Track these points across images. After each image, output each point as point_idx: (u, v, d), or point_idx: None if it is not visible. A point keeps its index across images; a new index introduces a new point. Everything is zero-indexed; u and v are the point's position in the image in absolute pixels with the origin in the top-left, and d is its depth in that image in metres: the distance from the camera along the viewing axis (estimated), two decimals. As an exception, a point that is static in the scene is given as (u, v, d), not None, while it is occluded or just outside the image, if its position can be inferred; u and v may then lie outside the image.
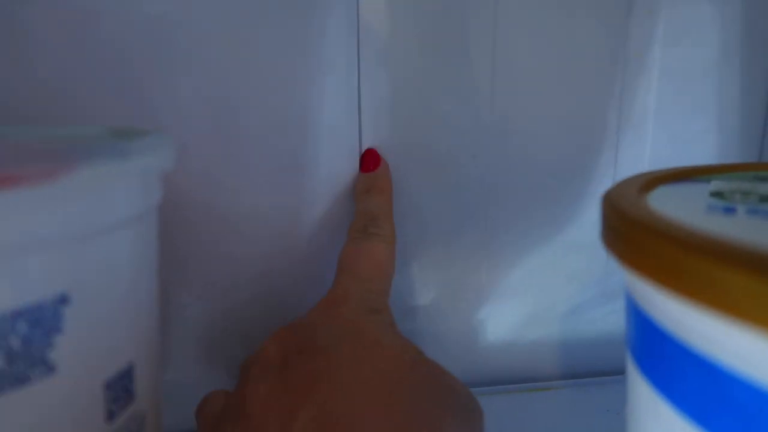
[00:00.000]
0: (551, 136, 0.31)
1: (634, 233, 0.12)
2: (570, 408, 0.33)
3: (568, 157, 0.32)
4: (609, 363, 0.35)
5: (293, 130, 0.28)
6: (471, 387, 0.22)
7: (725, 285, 0.10)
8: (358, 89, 0.29)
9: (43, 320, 0.14)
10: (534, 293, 0.34)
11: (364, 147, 0.30)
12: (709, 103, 0.32)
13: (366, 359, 0.20)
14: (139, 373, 0.17)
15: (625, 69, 0.31)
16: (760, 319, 0.10)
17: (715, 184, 0.17)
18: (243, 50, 0.27)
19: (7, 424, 0.13)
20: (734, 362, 0.11)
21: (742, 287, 0.10)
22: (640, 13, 0.30)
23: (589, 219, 0.33)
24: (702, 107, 0.32)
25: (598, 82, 0.31)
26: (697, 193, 0.16)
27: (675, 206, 0.14)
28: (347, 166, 0.30)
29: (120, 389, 0.16)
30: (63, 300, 0.14)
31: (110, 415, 0.16)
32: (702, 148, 0.33)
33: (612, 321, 0.35)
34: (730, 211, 0.14)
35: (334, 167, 0.30)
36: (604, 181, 0.32)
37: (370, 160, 0.30)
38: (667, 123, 0.32)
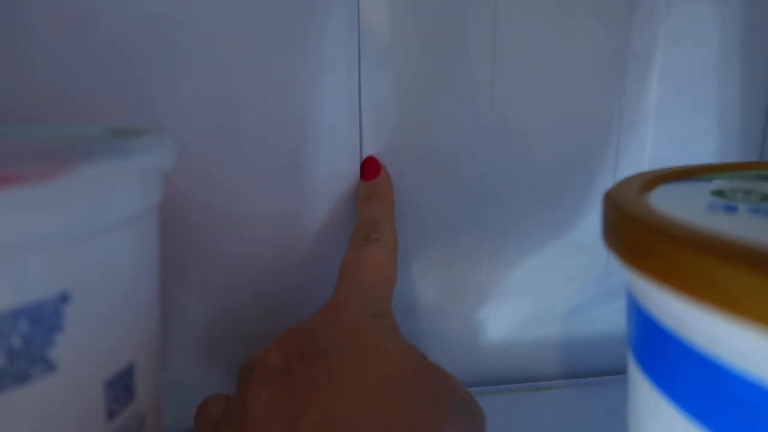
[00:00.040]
0: (551, 136, 0.31)
1: (636, 232, 0.12)
2: (570, 408, 0.33)
3: (568, 157, 0.32)
4: (609, 363, 0.35)
5: (293, 130, 0.28)
6: (471, 387, 0.22)
7: (727, 283, 0.10)
8: (359, 89, 0.29)
9: (44, 319, 0.14)
10: (534, 293, 0.34)
11: (365, 147, 0.30)
12: (709, 104, 0.32)
13: (368, 364, 0.20)
14: (140, 372, 0.17)
15: (626, 69, 0.31)
16: (762, 316, 0.10)
17: (717, 183, 0.17)
18: (243, 50, 0.27)
19: (8, 423, 0.13)
20: (736, 360, 0.11)
21: (743, 285, 0.10)
22: (640, 13, 0.30)
23: (590, 219, 0.33)
24: (702, 107, 0.32)
25: (599, 82, 0.31)
26: (699, 192, 0.16)
27: (676, 205, 0.14)
28: (347, 167, 0.30)
29: (120, 388, 0.16)
30: (64, 298, 0.14)
31: (110, 414, 0.16)
32: (702, 149, 0.33)
33: (612, 320, 0.35)
34: (731, 209, 0.14)
35: (334, 167, 0.30)
36: (605, 182, 0.32)
37: (370, 168, 0.30)
38: (668, 123, 0.32)
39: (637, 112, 0.32)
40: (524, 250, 0.33)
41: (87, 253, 0.15)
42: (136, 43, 0.26)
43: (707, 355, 0.12)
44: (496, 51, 0.30)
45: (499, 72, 0.30)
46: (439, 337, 0.33)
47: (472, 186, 0.31)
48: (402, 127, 0.30)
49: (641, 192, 0.16)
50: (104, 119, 0.26)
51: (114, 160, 0.15)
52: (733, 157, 0.33)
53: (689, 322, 0.12)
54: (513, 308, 0.34)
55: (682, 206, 0.14)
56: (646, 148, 0.32)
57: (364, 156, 0.30)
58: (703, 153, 0.33)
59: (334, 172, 0.30)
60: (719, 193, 0.15)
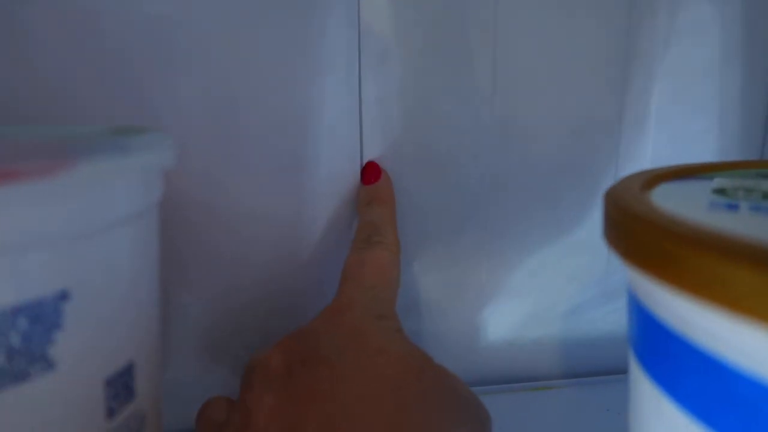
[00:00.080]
0: (552, 136, 0.31)
1: (637, 230, 0.12)
2: (570, 407, 0.33)
3: (569, 157, 0.32)
4: (610, 362, 0.35)
5: (293, 130, 0.28)
6: (472, 386, 0.21)
7: (729, 281, 0.10)
8: (359, 89, 0.29)
9: (44, 316, 0.14)
10: (535, 293, 0.34)
11: (365, 147, 0.30)
12: (710, 103, 0.32)
13: (370, 367, 0.20)
14: (140, 370, 0.17)
15: (626, 69, 0.31)
16: (764, 314, 0.10)
17: (718, 182, 0.17)
18: (243, 50, 0.27)
19: (7, 421, 0.13)
20: (738, 359, 0.11)
21: (746, 283, 0.10)
22: (641, 13, 0.30)
23: (590, 219, 0.33)
24: (703, 107, 0.32)
25: (599, 82, 0.31)
26: (700, 190, 0.16)
27: (677, 203, 0.14)
28: (347, 167, 0.30)
29: (120, 387, 0.16)
30: (63, 296, 0.14)
31: (110, 413, 0.16)
32: (703, 148, 0.33)
33: (612, 320, 0.35)
34: (732, 207, 0.14)
35: (335, 167, 0.30)
36: (605, 181, 0.32)
37: (371, 172, 0.30)
38: (668, 123, 0.32)
39: (638, 112, 0.32)
40: (525, 250, 0.33)
41: (87, 250, 0.15)
42: (136, 43, 0.26)
43: (709, 353, 0.12)
44: (497, 51, 0.30)
45: (499, 72, 0.30)
46: (439, 336, 0.33)
47: (472, 186, 0.31)
48: (402, 127, 0.30)
49: (642, 190, 0.16)
50: (104, 119, 0.26)
51: (114, 157, 0.15)
52: (733, 157, 0.33)
53: (691, 320, 0.12)
54: (513, 308, 0.34)
55: (683, 204, 0.14)
56: (647, 148, 0.32)
57: (365, 156, 0.30)
58: (704, 152, 0.33)
59: (334, 172, 0.30)
60: (720, 192, 0.15)
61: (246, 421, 0.19)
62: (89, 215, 0.15)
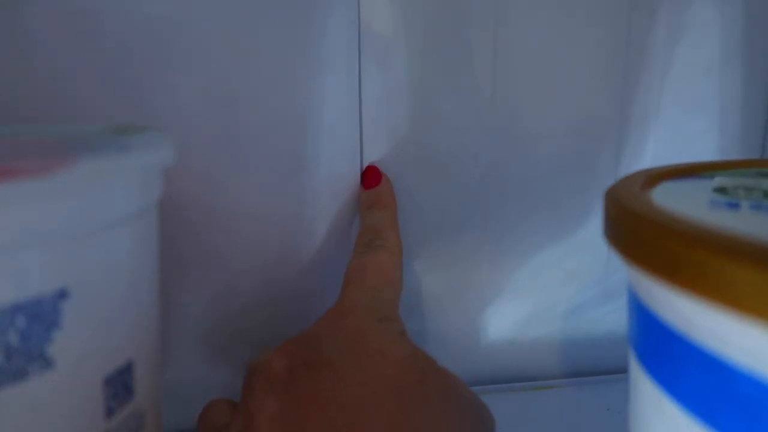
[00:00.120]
0: (552, 135, 0.31)
1: (638, 229, 0.12)
2: (571, 407, 0.33)
3: (569, 156, 0.32)
4: (610, 362, 0.35)
5: (293, 130, 0.28)
6: (472, 386, 0.21)
7: (731, 280, 0.10)
8: (359, 89, 0.29)
9: (42, 315, 0.14)
10: (535, 292, 0.34)
11: (365, 147, 0.30)
12: (710, 103, 0.32)
13: (372, 370, 0.20)
14: (139, 370, 0.17)
15: (626, 69, 0.31)
16: (765, 313, 0.10)
17: (719, 180, 0.17)
18: (243, 50, 0.27)
19: (6, 420, 0.13)
20: (740, 358, 0.11)
21: (747, 282, 0.10)
22: (641, 13, 0.30)
23: (590, 218, 0.33)
24: (703, 107, 0.32)
25: (599, 81, 0.31)
26: (701, 189, 0.16)
27: (678, 202, 0.14)
28: (348, 167, 0.30)
29: (119, 386, 0.16)
30: (62, 295, 0.14)
31: (109, 412, 0.16)
32: (703, 148, 0.33)
33: (613, 320, 0.35)
34: (733, 206, 0.14)
35: (335, 167, 0.29)
36: (606, 181, 0.32)
37: (371, 176, 0.30)
38: (669, 123, 0.32)
39: (638, 112, 0.32)
40: (525, 250, 0.33)
41: (86, 249, 0.15)
42: (136, 43, 0.26)
43: (710, 352, 0.12)
44: (497, 50, 0.30)
45: (500, 71, 0.30)
46: (440, 336, 0.33)
47: (473, 186, 0.31)
48: (403, 127, 0.30)
49: (643, 189, 0.15)
50: (104, 119, 0.26)
51: (114, 156, 0.15)
52: (733, 156, 0.33)
53: (692, 319, 0.12)
54: (514, 308, 0.34)
55: (684, 203, 0.14)
56: (647, 148, 0.32)
57: (365, 156, 0.30)
58: (704, 152, 0.33)
59: (334, 172, 0.30)
60: (721, 190, 0.15)
61: (248, 425, 0.19)
62: (89, 214, 0.15)
